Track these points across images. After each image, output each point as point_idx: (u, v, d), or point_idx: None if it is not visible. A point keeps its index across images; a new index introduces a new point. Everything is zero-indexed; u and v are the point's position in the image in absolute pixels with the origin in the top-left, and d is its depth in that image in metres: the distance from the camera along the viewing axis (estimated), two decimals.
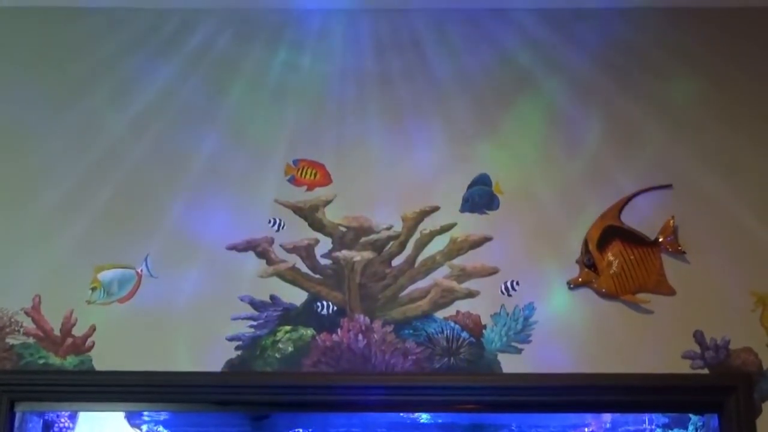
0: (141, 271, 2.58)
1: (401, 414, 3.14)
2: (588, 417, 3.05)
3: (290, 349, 2.55)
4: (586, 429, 3.10)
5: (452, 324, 2.55)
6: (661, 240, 2.59)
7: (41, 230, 2.64)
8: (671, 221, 2.60)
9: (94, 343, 2.51)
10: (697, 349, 2.50)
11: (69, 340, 2.52)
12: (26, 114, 2.77)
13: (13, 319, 2.53)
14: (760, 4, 2.80)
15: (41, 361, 2.51)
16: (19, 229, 2.64)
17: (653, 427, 2.92)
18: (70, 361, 2.51)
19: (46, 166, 2.72)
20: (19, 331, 2.52)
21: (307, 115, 2.75)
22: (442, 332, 2.55)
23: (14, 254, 2.62)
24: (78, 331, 2.51)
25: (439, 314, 2.56)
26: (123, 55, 2.80)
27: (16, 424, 2.54)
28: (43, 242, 2.62)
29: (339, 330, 2.54)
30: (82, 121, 2.74)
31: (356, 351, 2.54)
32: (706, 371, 2.48)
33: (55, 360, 2.50)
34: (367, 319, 2.57)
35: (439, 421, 3.16)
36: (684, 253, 2.57)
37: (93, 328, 2.51)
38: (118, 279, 2.58)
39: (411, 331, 2.55)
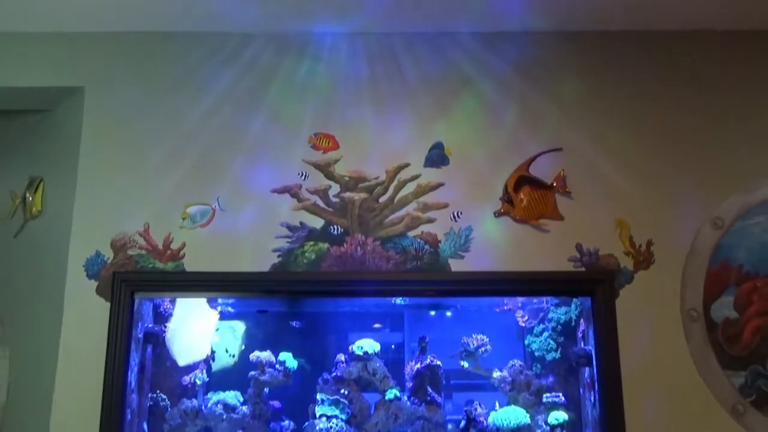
0: (215, 207, 2.77)
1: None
2: (506, 299, 3.20)
3: (313, 257, 2.75)
4: (505, 306, 3.22)
5: (419, 240, 2.78)
6: (555, 185, 2.81)
7: (150, 181, 2.82)
8: (562, 172, 2.81)
9: (185, 254, 2.74)
10: (578, 255, 2.75)
11: (168, 252, 2.74)
12: (140, 107, 2.90)
13: (131, 239, 2.76)
14: (626, 27, 2.93)
15: (150, 266, 2.74)
16: (136, 180, 2.82)
17: (549, 305, 3.15)
18: (170, 265, 2.74)
19: (154, 140, 2.86)
20: (135, 246, 2.75)
21: (323, 104, 2.89)
22: (412, 245, 2.77)
23: (132, 197, 2.80)
24: (174, 246, 2.75)
25: (410, 233, 2.78)
26: (198, 64, 2.92)
27: (135, 306, 2.76)
28: (152, 188, 2.81)
29: (345, 244, 2.76)
30: (174, 109, 2.88)
31: (356, 258, 2.75)
32: (583, 269, 2.74)
33: (159, 264, 2.74)
34: (363, 237, 2.77)
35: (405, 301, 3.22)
36: (570, 193, 2.80)
37: (183, 244, 2.75)
38: (200, 212, 2.77)
39: (392, 245, 2.77)
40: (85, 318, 2.68)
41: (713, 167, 2.84)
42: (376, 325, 3.30)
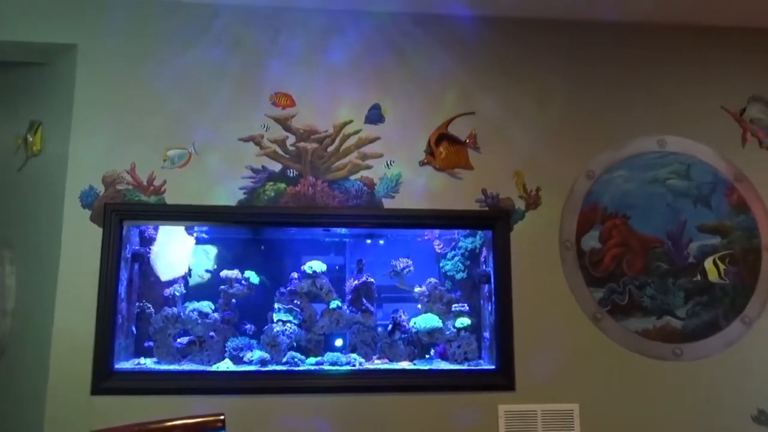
0: (191, 151, 2.87)
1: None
2: (426, 231, 3.30)
3: (272, 194, 2.87)
4: (425, 236, 3.34)
5: (359, 182, 2.91)
6: (468, 141, 2.97)
7: (136, 127, 2.88)
8: (473, 131, 2.97)
9: (165, 189, 2.84)
10: (483, 197, 2.93)
11: (151, 187, 2.84)
12: (126, 63, 2.91)
13: (120, 176, 2.84)
14: (533, 16, 3.03)
15: (136, 198, 2.83)
16: (123, 126, 2.87)
17: (459, 236, 3.25)
18: (153, 199, 2.83)
19: (139, 91, 2.89)
20: (123, 182, 2.84)
21: (282, 68, 2.96)
22: (353, 187, 2.91)
23: (120, 140, 2.86)
24: (157, 183, 2.84)
25: (352, 177, 2.91)
26: (177, 30, 2.93)
27: (124, 232, 2.85)
28: (137, 134, 2.87)
29: (299, 185, 2.88)
30: (156, 67, 2.91)
31: (308, 196, 2.88)
32: (487, 209, 2.93)
33: (144, 198, 2.83)
34: (314, 179, 2.89)
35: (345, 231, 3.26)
36: (479, 148, 2.97)
37: (164, 181, 2.84)
38: (179, 155, 2.86)
39: (337, 186, 2.90)
40: (81, 241, 2.78)
41: (588, 131, 3.05)
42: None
